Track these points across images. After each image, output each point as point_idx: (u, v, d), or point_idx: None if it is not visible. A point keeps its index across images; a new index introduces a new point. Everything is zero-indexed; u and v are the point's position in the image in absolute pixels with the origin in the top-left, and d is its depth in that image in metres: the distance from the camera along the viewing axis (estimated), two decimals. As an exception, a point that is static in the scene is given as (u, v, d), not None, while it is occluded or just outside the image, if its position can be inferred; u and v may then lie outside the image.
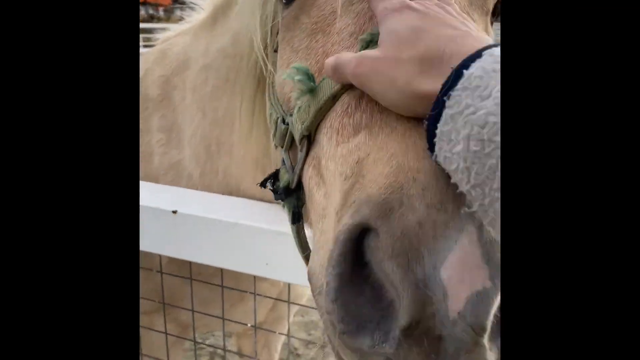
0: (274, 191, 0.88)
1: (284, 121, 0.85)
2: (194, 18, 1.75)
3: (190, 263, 1.31)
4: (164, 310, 1.49)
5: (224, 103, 1.42)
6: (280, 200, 0.88)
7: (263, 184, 0.91)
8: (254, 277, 1.32)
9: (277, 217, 1.19)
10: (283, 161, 0.86)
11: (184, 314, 1.61)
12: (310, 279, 0.69)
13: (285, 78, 0.79)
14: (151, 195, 1.25)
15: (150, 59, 1.75)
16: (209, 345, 3.02)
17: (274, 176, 0.89)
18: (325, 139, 0.71)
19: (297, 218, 0.86)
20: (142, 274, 1.51)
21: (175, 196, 1.27)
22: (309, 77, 0.76)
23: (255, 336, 1.41)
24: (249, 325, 1.50)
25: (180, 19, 1.84)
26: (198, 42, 1.56)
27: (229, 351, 2.40)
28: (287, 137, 0.83)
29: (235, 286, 1.39)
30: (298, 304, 1.74)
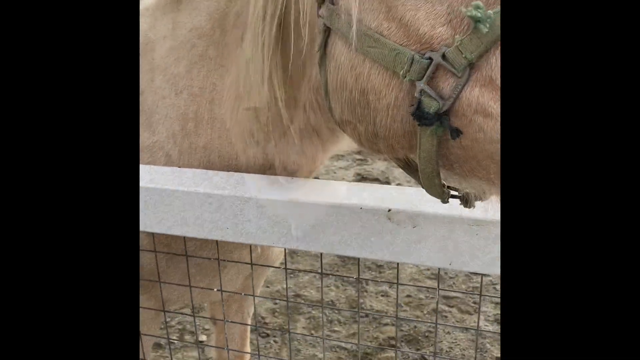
0: (422, 117, 0.92)
1: (422, 56, 0.91)
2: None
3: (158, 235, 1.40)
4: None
5: (200, 78, 1.46)
6: (425, 125, 0.92)
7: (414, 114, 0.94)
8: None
9: (238, 182, 1.30)
10: (421, 92, 0.92)
11: (163, 290, 1.68)
12: None
13: (470, 14, 0.86)
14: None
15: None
16: (182, 314, 3.10)
17: (417, 106, 0.92)
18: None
19: (458, 131, 0.91)
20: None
21: (144, 173, 1.36)
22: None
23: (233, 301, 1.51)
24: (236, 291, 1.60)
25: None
26: (160, 24, 1.58)
27: (202, 317, 2.48)
28: (428, 70, 0.91)
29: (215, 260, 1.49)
30: (273, 267, 1.85)
